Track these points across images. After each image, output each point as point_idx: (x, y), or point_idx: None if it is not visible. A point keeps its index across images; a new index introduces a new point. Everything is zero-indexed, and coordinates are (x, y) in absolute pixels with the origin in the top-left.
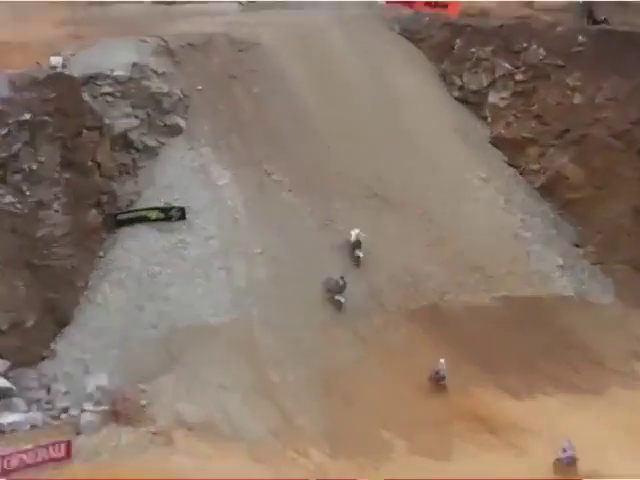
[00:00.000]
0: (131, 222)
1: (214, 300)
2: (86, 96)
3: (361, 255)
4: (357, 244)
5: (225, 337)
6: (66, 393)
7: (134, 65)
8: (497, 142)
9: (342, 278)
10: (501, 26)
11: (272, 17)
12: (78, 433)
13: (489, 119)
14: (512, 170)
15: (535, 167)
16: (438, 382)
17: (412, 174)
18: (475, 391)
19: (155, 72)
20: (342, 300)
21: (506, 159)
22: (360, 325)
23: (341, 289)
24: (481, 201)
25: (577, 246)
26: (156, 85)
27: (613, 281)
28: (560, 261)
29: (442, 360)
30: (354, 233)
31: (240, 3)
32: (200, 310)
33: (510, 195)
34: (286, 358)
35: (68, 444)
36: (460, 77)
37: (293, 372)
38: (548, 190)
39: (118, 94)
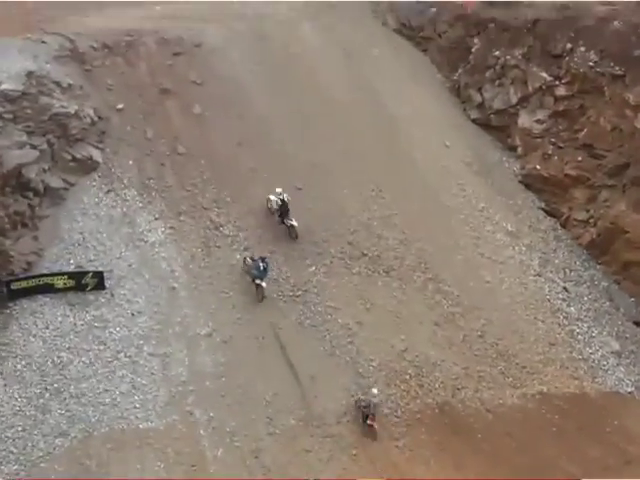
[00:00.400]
0: (30, 292)
1: (144, 398)
2: None
3: (295, 224)
4: (284, 208)
5: (160, 447)
6: None
7: (29, 75)
8: (530, 182)
9: (263, 260)
10: (536, 20)
11: (218, 7)
12: None
13: (519, 150)
14: (551, 221)
15: (582, 216)
16: (365, 418)
17: (413, 227)
18: None
19: (58, 85)
20: (264, 285)
21: (542, 205)
22: (343, 433)
23: (262, 273)
24: (508, 264)
25: (639, 325)
26: (60, 103)
27: None
28: (616, 345)
29: (375, 390)
30: (275, 197)
31: None
32: (125, 412)
33: (548, 255)
34: (244, 477)
35: None
36: (479, 91)
37: None
38: (600, 248)
39: (8, 116)
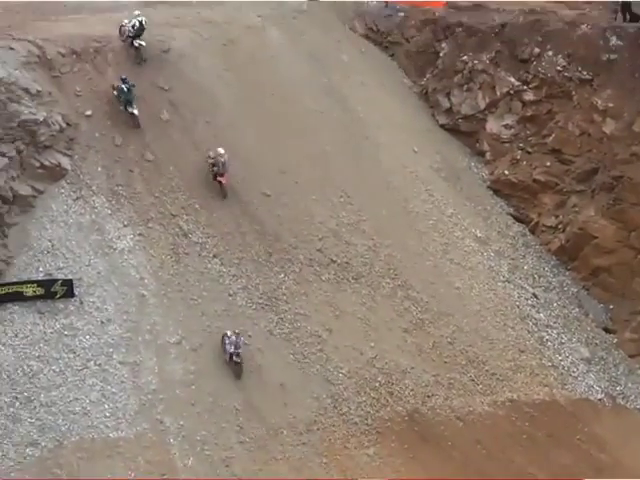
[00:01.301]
0: None
1: (114, 407)
2: None
3: (144, 44)
4: (139, 32)
5: (130, 457)
6: None
7: None
8: (499, 187)
9: (124, 81)
10: (504, 25)
11: (185, 13)
12: None
13: (488, 155)
14: (519, 227)
15: (551, 222)
16: (215, 175)
17: (382, 233)
18: None
19: (27, 91)
20: (136, 112)
21: (511, 211)
22: (313, 441)
23: (128, 95)
24: (477, 270)
25: (608, 331)
26: (28, 110)
27: None
28: (585, 352)
29: (221, 149)
30: (132, 19)
31: None
32: (96, 421)
33: (517, 261)
34: None
35: None
36: (447, 96)
37: None
38: (569, 254)
39: None
